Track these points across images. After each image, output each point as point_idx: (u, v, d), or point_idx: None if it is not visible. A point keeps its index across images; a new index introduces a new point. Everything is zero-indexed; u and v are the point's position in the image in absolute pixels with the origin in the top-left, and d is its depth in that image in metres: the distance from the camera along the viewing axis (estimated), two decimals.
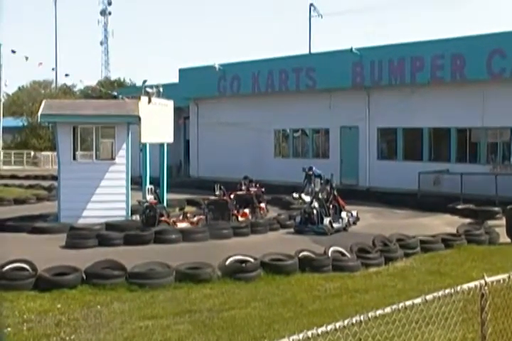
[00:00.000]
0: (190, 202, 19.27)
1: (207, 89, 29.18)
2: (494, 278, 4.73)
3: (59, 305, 7.92)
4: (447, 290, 4.32)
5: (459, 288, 4.41)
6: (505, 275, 4.83)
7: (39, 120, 16.51)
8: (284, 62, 26.46)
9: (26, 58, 25.32)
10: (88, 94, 52.45)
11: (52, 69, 48.66)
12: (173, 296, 8.44)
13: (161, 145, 17.36)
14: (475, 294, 4.60)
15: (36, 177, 31.34)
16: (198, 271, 9.27)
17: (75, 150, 15.32)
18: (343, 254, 10.60)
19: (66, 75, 46.05)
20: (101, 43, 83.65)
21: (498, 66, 20.23)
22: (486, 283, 4.61)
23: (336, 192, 15.68)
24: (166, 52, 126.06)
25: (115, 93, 30.26)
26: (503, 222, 13.94)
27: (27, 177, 31.47)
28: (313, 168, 20.09)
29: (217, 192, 15.86)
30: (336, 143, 25.28)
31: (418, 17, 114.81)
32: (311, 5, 49.56)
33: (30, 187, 26.12)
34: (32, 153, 47.16)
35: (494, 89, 20.75)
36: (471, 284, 4.54)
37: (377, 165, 23.86)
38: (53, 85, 60.85)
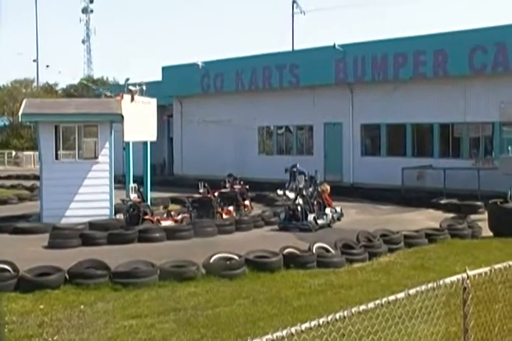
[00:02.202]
0: (174, 201, 19.21)
1: (190, 86, 29.08)
2: (476, 272, 4.75)
3: (42, 306, 7.84)
4: (430, 285, 4.33)
5: (441, 282, 4.42)
6: (487, 269, 4.85)
7: (20, 119, 16.35)
8: (267, 59, 26.44)
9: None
10: (70, 93, 52.09)
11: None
12: (158, 295, 8.40)
13: (145, 143, 17.27)
14: (457, 288, 4.61)
15: (18, 177, 31.00)
16: (183, 269, 9.24)
17: (57, 149, 15.18)
18: (327, 250, 10.62)
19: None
20: (83, 42, 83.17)
21: (480, 62, 20.37)
22: (468, 277, 4.63)
23: (328, 190, 15.79)
24: (149, 50, 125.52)
25: (98, 89, 30.06)
26: (486, 216, 14.06)
27: (9, 177, 31.12)
28: (297, 165, 20.11)
29: (201, 190, 15.82)
30: (320, 139, 25.32)
31: (401, 12, 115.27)
32: (294, 1, 49.60)
33: (12, 187, 25.84)
34: (13, 152, 46.71)
35: (476, 84, 20.89)
36: (454, 278, 4.55)
37: (361, 161, 23.95)
38: (35, 84, 60.34)
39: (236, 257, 9.65)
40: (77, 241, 12.27)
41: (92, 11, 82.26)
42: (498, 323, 5.15)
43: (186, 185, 23.15)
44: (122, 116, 14.98)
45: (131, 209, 14.39)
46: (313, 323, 3.54)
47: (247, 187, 17.93)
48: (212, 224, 13.91)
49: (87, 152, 15.61)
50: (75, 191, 14.83)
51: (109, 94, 20.84)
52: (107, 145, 15.13)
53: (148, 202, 16.03)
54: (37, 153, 19.46)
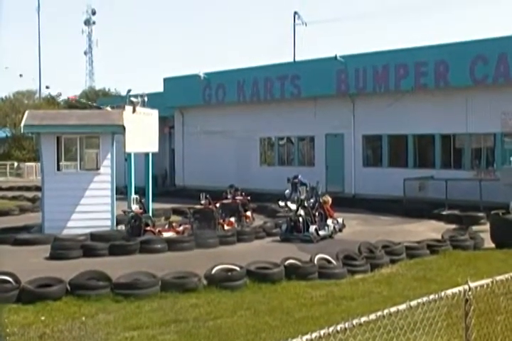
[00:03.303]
0: (175, 212, 19.21)
1: (192, 98, 29.18)
2: (478, 283, 4.74)
3: (43, 318, 7.82)
4: (432, 296, 4.33)
5: (443, 293, 4.42)
6: (488, 280, 4.85)
7: (22, 131, 16.40)
8: (269, 70, 26.54)
9: (6, 68, 25.26)
10: (72, 104, 52.27)
11: (33, 79, 48.39)
12: (159, 306, 8.38)
13: (146, 154, 17.30)
14: (459, 299, 4.61)
15: (20, 189, 31.03)
16: (184, 281, 9.23)
17: (59, 160, 15.22)
18: (329, 262, 10.60)
19: (47, 87, 45.92)
20: (85, 53, 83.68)
21: (481, 72, 20.43)
22: (469, 289, 4.62)
23: (330, 201, 15.77)
24: (150, 62, 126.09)
25: (95, 104, 30.14)
26: (488, 227, 14.03)
27: (10, 189, 31.15)
28: (299, 177, 20.11)
29: (202, 201, 15.80)
30: (322, 150, 25.34)
31: (402, 24, 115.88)
32: (295, 13, 49.79)
33: (14, 198, 25.86)
34: (15, 163, 46.78)
35: (477, 95, 20.93)
36: (455, 289, 4.55)
37: (363, 172, 23.94)
38: (37, 95, 60.54)
39: (237, 268, 9.63)
40: (78, 252, 12.26)
41: (94, 23, 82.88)
42: (500, 335, 5.13)
43: (188, 196, 23.15)
44: (124, 128, 15.02)
45: (133, 221, 14.38)
46: (314, 335, 3.54)
47: (249, 198, 17.92)
48: (213, 235, 13.90)
49: (88, 163, 15.65)
50: (76, 202, 14.84)
51: (108, 108, 20.86)
52: (109, 156, 15.16)
53: (150, 213, 16.03)
54: (39, 164, 19.47)
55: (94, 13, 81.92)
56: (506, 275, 5.01)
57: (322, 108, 25.03)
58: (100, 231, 14.11)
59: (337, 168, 24.65)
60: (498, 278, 4.95)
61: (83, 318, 7.79)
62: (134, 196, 15.13)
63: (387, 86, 22.89)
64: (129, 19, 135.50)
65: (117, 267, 10.29)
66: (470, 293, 4.61)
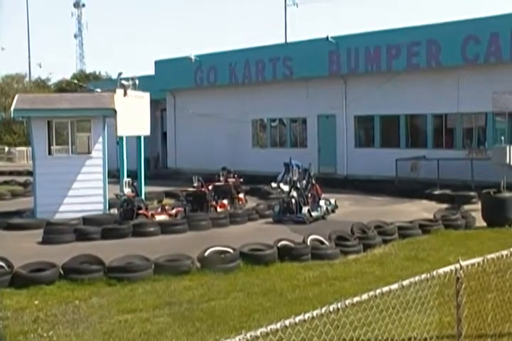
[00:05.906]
0: (168, 195, 19.19)
1: (183, 80, 28.99)
2: (469, 262, 4.77)
3: (36, 302, 7.83)
4: (423, 275, 4.35)
5: (435, 272, 4.44)
6: (479, 259, 4.87)
7: (12, 115, 16.24)
8: (261, 52, 26.36)
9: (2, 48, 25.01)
10: (63, 87, 51.87)
11: (28, 58, 47.73)
12: (153, 289, 8.39)
13: (138, 137, 17.22)
14: (451, 278, 4.63)
15: (11, 173, 30.82)
16: (177, 263, 9.24)
17: (50, 144, 15.11)
18: (321, 243, 10.64)
19: (39, 66, 45.44)
20: (75, 36, 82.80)
21: (473, 52, 20.36)
22: (461, 267, 4.65)
23: (314, 181, 15.72)
24: (141, 44, 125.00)
25: (89, 86, 29.94)
26: (479, 206, 14.10)
27: (1, 173, 30.93)
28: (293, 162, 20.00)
29: (195, 184, 15.80)
30: (314, 131, 25.31)
31: (395, 4, 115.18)
32: None
33: (5, 183, 25.74)
34: (6, 148, 46.49)
35: (469, 74, 20.90)
36: (447, 268, 4.57)
37: (355, 152, 23.96)
38: (27, 79, 59.99)
39: (231, 250, 9.65)
40: (71, 236, 12.26)
41: (83, 5, 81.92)
42: (490, 312, 5.18)
43: (180, 179, 23.12)
44: (115, 111, 14.92)
45: (125, 204, 14.37)
46: (307, 316, 3.55)
47: (241, 180, 17.91)
48: (206, 217, 13.91)
49: (80, 147, 15.54)
50: (68, 186, 14.79)
51: (99, 90, 20.74)
52: (101, 140, 15.08)
53: (143, 197, 16.01)
54: (30, 148, 19.37)
55: None
56: (497, 254, 5.04)
57: (314, 89, 24.94)
58: (93, 215, 14.09)
59: (329, 149, 24.64)
60: (489, 256, 4.98)
61: (77, 302, 7.81)
62: (126, 179, 15.09)
63: (379, 66, 22.80)
64: (119, 1, 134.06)
65: (110, 251, 10.30)
66: (461, 271, 4.63)
